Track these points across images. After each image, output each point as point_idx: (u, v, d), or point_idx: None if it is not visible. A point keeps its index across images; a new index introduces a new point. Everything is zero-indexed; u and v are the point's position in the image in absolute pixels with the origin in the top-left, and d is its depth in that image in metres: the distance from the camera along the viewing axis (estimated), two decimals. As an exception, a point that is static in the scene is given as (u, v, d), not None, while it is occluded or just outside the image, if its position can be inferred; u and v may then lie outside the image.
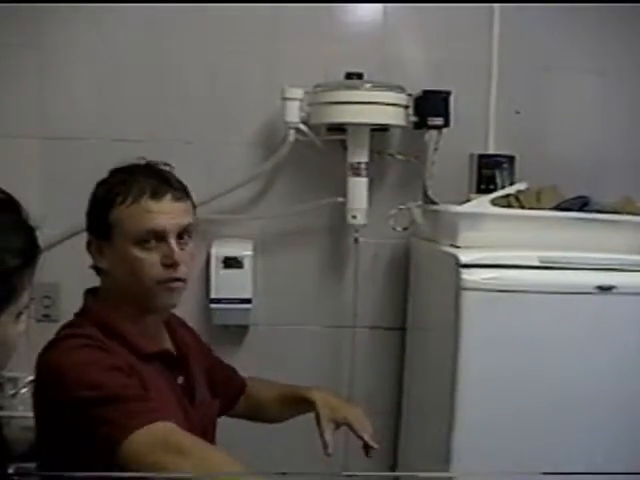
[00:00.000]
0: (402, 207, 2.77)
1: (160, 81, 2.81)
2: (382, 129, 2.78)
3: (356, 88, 2.62)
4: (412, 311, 2.86)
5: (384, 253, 2.94)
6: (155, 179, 1.78)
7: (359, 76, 2.71)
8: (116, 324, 1.76)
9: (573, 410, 2.28)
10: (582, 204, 2.48)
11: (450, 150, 2.79)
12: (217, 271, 2.69)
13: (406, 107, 2.67)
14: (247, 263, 2.72)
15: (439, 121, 2.70)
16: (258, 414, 2.22)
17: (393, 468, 2.90)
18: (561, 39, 2.92)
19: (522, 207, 2.48)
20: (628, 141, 2.95)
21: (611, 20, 2.88)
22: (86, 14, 2.77)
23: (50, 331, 2.74)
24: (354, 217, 2.72)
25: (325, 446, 1.90)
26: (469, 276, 2.23)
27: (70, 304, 2.80)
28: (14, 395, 2.67)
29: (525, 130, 2.92)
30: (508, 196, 2.52)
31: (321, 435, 1.93)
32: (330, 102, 2.61)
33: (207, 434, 1.89)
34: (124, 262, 1.75)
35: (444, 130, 2.74)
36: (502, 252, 2.28)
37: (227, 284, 2.71)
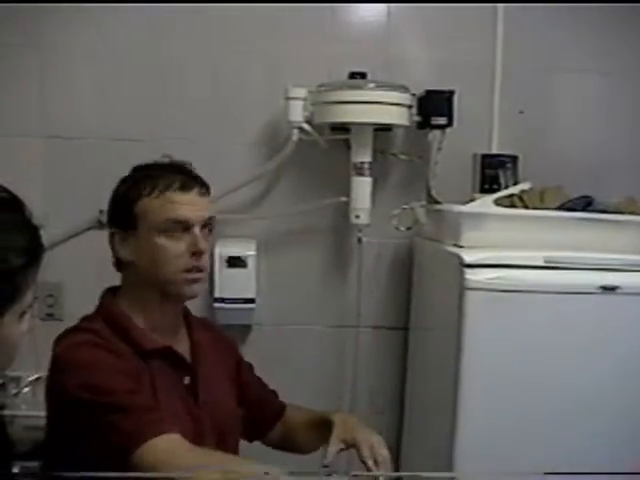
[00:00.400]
0: (405, 207, 2.77)
1: (162, 81, 2.82)
2: (385, 129, 2.78)
3: (360, 88, 2.62)
4: (415, 311, 2.86)
5: (387, 253, 2.94)
6: (182, 174, 1.85)
7: (362, 76, 2.71)
8: (123, 320, 1.81)
9: (576, 409, 2.28)
10: (586, 204, 2.47)
11: (453, 150, 2.79)
12: (221, 270, 2.69)
13: (410, 107, 2.67)
14: (251, 263, 2.72)
15: (442, 121, 2.70)
16: (290, 441, 2.18)
17: (396, 468, 2.89)
18: (565, 39, 2.91)
19: (526, 207, 2.48)
20: (632, 141, 2.95)
21: (615, 20, 2.88)
22: (87, 14, 2.78)
23: (54, 330, 2.75)
24: (357, 217, 2.72)
25: (324, 456, 1.88)
26: (473, 276, 2.23)
27: (73, 303, 2.84)
28: (17, 394, 2.68)
29: (529, 130, 2.92)
30: (512, 196, 2.52)
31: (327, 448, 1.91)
32: (334, 102, 2.61)
33: (225, 435, 1.91)
34: (149, 251, 1.80)
35: (447, 130, 2.74)
36: (506, 252, 2.28)
37: (231, 284, 2.71)
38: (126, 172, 2.81)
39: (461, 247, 2.35)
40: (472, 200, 2.62)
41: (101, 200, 2.80)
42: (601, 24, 2.90)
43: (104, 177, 2.80)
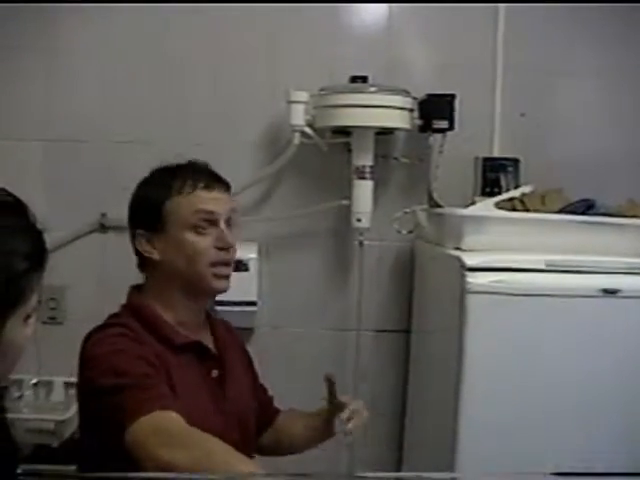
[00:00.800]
0: (407, 210, 2.78)
1: (165, 84, 2.83)
2: (387, 132, 2.78)
3: (361, 91, 2.63)
4: (417, 314, 2.86)
5: (389, 256, 2.94)
6: (205, 174, 1.92)
7: (364, 79, 2.72)
8: (153, 316, 1.87)
9: (577, 412, 2.28)
10: (587, 207, 2.47)
11: (455, 153, 2.80)
12: (222, 273, 2.70)
13: (411, 110, 2.67)
14: (252, 266, 2.72)
15: (444, 124, 2.70)
16: (281, 442, 2.20)
17: (397, 469, 2.90)
18: (566, 42, 2.92)
19: (527, 210, 2.48)
20: (634, 144, 2.94)
21: (615, 23, 2.88)
22: (91, 17, 2.79)
23: (55, 333, 2.78)
24: (359, 220, 2.72)
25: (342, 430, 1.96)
26: (474, 279, 2.23)
27: (75, 307, 2.85)
28: (19, 397, 2.68)
29: (530, 133, 2.93)
30: (513, 199, 2.52)
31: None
32: (335, 105, 2.62)
33: (247, 430, 1.96)
34: (178, 248, 1.85)
35: (449, 133, 2.75)
36: (507, 255, 2.28)
37: (232, 286, 2.70)
38: (129, 175, 2.81)
39: (462, 250, 2.34)
40: (473, 203, 2.63)
41: (103, 203, 2.84)
42: (602, 27, 2.90)
43: (107, 180, 2.84)
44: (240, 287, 2.70)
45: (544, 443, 2.25)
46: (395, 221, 2.77)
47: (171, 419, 1.58)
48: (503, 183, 2.76)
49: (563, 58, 2.94)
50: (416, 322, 2.87)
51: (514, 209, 2.49)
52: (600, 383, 2.28)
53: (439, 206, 2.75)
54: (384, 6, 2.87)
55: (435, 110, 2.70)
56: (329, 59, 2.84)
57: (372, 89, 2.63)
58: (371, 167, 2.71)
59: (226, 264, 1.90)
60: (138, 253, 1.92)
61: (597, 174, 2.89)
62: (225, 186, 1.93)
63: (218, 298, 2.68)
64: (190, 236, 1.85)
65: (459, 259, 2.28)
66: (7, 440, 1.19)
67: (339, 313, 2.94)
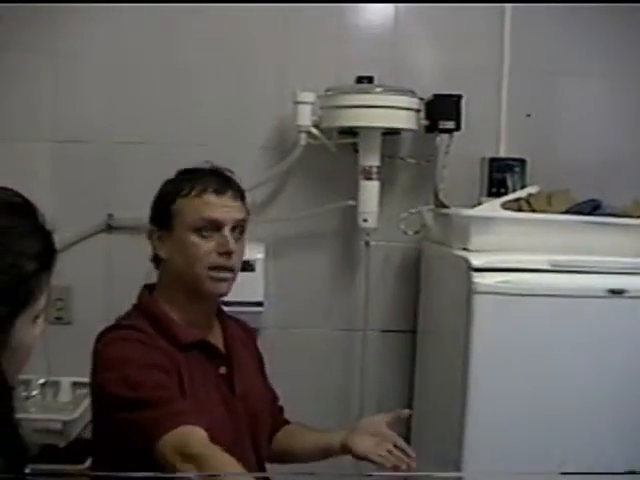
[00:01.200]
0: (413, 211, 2.78)
1: (172, 85, 2.83)
2: (393, 133, 2.78)
3: (367, 92, 2.63)
4: (423, 314, 2.86)
5: (395, 256, 2.94)
6: (218, 179, 1.95)
7: (370, 80, 2.72)
8: (161, 315, 1.92)
9: (584, 412, 2.29)
10: (593, 207, 2.47)
11: (461, 153, 2.80)
12: (229, 274, 2.70)
13: (417, 111, 2.67)
14: (259, 266, 2.72)
15: (450, 125, 2.70)
16: (284, 455, 2.18)
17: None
18: (572, 43, 2.92)
19: (533, 211, 2.48)
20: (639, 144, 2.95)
21: (620, 24, 2.88)
22: (97, 19, 2.79)
23: (62, 333, 2.78)
24: (365, 220, 2.72)
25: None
26: (481, 280, 2.24)
27: (82, 307, 2.85)
28: (27, 397, 2.68)
29: (536, 133, 2.93)
30: (519, 200, 2.52)
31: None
32: (341, 106, 2.62)
33: (257, 425, 1.99)
34: (181, 248, 1.90)
35: (455, 134, 2.75)
36: (513, 256, 2.28)
37: (239, 287, 2.69)
38: (136, 176, 2.84)
39: (469, 251, 2.35)
40: (479, 204, 2.63)
41: (110, 204, 2.85)
42: (607, 27, 2.90)
43: (113, 181, 2.85)
44: (247, 287, 2.71)
45: (550, 442, 2.25)
46: (401, 221, 2.78)
47: (191, 436, 1.63)
48: (509, 183, 2.77)
49: (569, 59, 2.94)
50: (422, 322, 2.87)
51: (520, 209, 2.49)
52: (606, 383, 2.28)
53: (445, 206, 2.75)
54: (390, 6, 2.88)
55: (441, 110, 2.70)
56: (335, 60, 2.84)
57: (378, 89, 2.64)
58: (378, 167, 2.71)
59: (225, 269, 1.91)
60: (153, 250, 1.97)
61: (603, 174, 2.89)
62: (237, 193, 1.95)
63: (224, 299, 2.69)
64: (193, 238, 1.88)
65: (465, 259, 2.29)
66: (16, 440, 1.20)
67: (345, 313, 2.94)
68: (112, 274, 2.86)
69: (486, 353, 2.25)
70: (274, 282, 2.84)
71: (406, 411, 2.05)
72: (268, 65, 2.85)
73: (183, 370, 1.83)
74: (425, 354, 2.83)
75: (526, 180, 2.78)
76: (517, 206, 2.50)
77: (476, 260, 2.27)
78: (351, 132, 2.75)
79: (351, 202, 2.75)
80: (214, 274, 1.89)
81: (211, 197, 1.89)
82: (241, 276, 2.75)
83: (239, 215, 1.93)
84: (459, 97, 2.70)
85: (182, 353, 1.86)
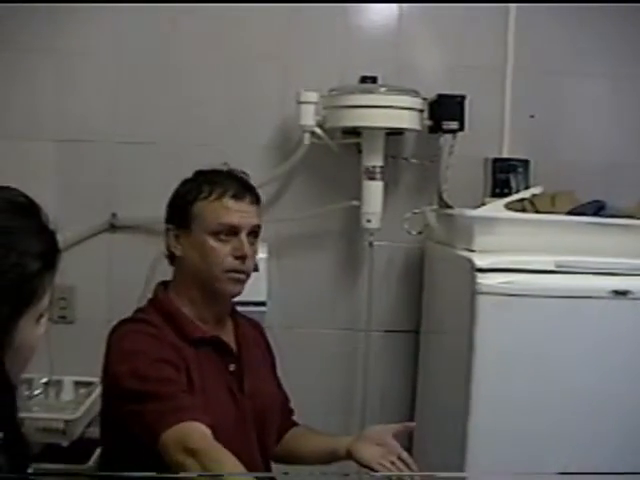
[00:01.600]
0: (417, 211, 2.78)
1: (175, 84, 2.83)
2: (397, 133, 2.78)
3: (371, 92, 2.63)
4: (426, 315, 2.86)
5: (398, 257, 2.94)
6: (237, 183, 2.01)
7: (374, 80, 2.72)
8: (174, 310, 1.97)
9: (587, 413, 2.28)
10: (597, 208, 2.47)
11: (465, 154, 2.80)
12: (232, 274, 2.70)
13: (421, 111, 2.67)
14: (262, 266, 2.71)
15: (454, 125, 2.70)
16: (289, 457, 2.21)
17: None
18: (576, 43, 2.92)
19: (537, 211, 2.48)
20: (644, 145, 2.95)
21: (625, 25, 2.88)
22: (101, 18, 2.80)
23: (66, 333, 2.78)
24: (369, 221, 2.72)
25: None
26: (484, 280, 2.23)
27: (85, 306, 2.85)
28: (30, 396, 2.69)
29: (540, 134, 2.92)
30: (523, 200, 2.52)
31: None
32: (345, 106, 2.62)
33: (265, 422, 2.02)
34: (199, 249, 1.96)
35: (459, 134, 2.75)
36: (517, 256, 2.28)
37: (242, 287, 2.71)
38: (139, 176, 2.84)
39: (472, 251, 2.34)
40: (483, 204, 2.63)
41: (113, 203, 2.85)
42: (612, 28, 2.89)
43: (117, 181, 2.85)
44: (250, 287, 2.70)
45: (553, 442, 2.25)
46: (405, 222, 2.78)
47: (194, 431, 1.67)
48: (513, 184, 2.77)
49: (573, 59, 2.93)
50: (425, 323, 2.87)
51: (524, 210, 2.49)
52: (610, 384, 2.27)
53: (449, 207, 2.75)
54: (394, 6, 2.87)
55: (445, 111, 2.70)
56: (339, 60, 2.84)
57: (382, 89, 2.63)
58: (381, 168, 2.70)
59: (240, 271, 1.97)
60: (167, 246, 2.03)
61: (607, 175, 2.89)
62: (254, 198, 2.02)
63: (229, 298, 2.68)
64: (211, 241, 1.94)
65: (469, 260, 2.29)
66: (19, 439, 1.20)
67: (348, 313, 2.94)
68: (115, 273, 2.86)
69: (489, 354, 2.25)
70: (277, 282, 2.84)
71: (412, 424, 2.15)
72: (272, 65, 2.85)
73: (192, 365, 1.87)
74: (428, 354, 2.82)
75: (530, 181, 2.78)
76: (521, 207, 2.50)
77: (480, 261, 2.26)
78: (354, 132, 2.74)
79: (354, 202, 2.75)
80: (229, 276, 1.96)
81: (230, 202, 1.96)
82: (245, 276, 2.76)
83: (256, 220, 2.01)
84: (463, 97, 2.70)
85: (193, 349, 1.91)
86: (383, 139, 2.70)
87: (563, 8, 2.85)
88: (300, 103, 2.67)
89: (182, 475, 1.61)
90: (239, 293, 2.01)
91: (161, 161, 2.80)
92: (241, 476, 1.63)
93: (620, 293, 2.26)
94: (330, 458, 2.06)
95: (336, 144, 2.77)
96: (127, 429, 1.76)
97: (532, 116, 2.92)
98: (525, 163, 2.81)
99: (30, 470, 1.23)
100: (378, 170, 2.70)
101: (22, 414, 1.24)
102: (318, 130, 2.70)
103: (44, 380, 2.74)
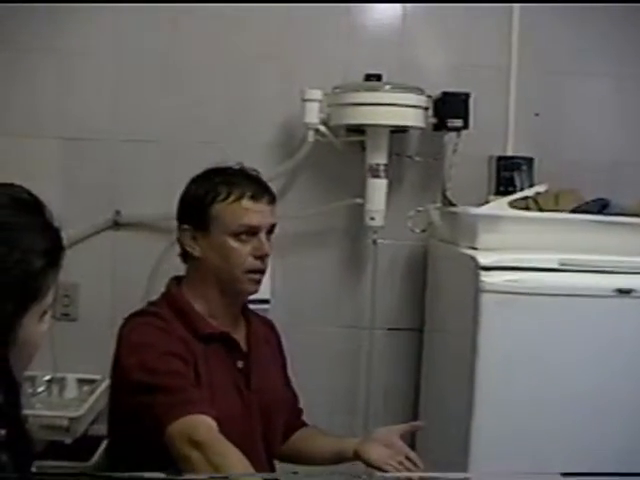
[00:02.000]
0: (420, 209, 2.78)
1: (179, 82, 2.83)
2: (401, 131, 2.78)
3: (375, 90, 2.63)
4: (430, 313, 2.85)
5: (402, 255, 2.94)
6: (254, 183, 2.03)
7: (378, 77, 2.72)
8: (185, 306, 1.99)
9: (591, 411, 2.28)
10: (602, 206, 2.47)
11: (469, 152, 2.79)
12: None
13: (425, 109, 2.67)
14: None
15: (458, 123, 2.70)
16: (298, 457, 2.23)
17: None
18: (580, 42, 2.91)
19: (541, 209, 2.48)
20: (648, 144, 2.94)
21: (629, 24, 2.88)
22: (103, 17, 2.80)
23: (69, 330, 2.79)
24: (372, 219, 2.72)
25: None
26: (488, 278, 2.23)
27: (89, 303, 2.85)
28: (33, 394, 2.69)
29: (544, 132, 2.92)
30: (527, 198, 2.51)
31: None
32: (349, 103, 2.62)
33: (271, 420, 2.04)
34: (219, 250, 1.98)
35: (463, 132, 2.74)
36: (521, 254, 2.27)
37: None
38: (143, 173, 2.84)
39: (476, 249, 2.34)
40: (487, 202, 2.63)
41: (117, 201, 2.85)
42: (616, 28, 2.89)
43: (120, 178, 2.85)
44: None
45: (557, 441, 2.24)
46: (409, 220, 2.78)
47: (199, 424, 1.69)
48: (517, 182, 2.76)
49: (577, 59, 2.93)
50: (429, 321, 2.86)
51: (528, 208, 2.48)
52: (614, 382, 2.27)
53: (453, 205, 2.75)
54: (398, 5, 2.87)
55: (450, 109, 2.70)
56: (343, 58, 2.84)
57: (386, 87, 2.63)
58: (385, 166, 2.70)
59: (260, 271, 2.01)
60: (181, 245, 2.03)
61: (611, 174, 2.89)
62: (271, 197, 2.05)
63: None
64: (231, 242, 1.96)
65: (473, 258, 2.28)
66: (23, 436, 1.20)
67: (352, 311, 2.94)
68: (119, 271, 2.86)
69: (493, 352, 2.24)
70: (281, 279, 2.83)
71: (420, 423, 2.19)
72: (276, 63, 2.85)
73: (200, 360, 1.89)
74: (432, 352, 2.82)
75: (534, 179, 2.78)
76: (525, 205, 2.49)
77: (484, 259, 2.26)
78: (359, 130, 2.74)
79: (358, 200, 2.75)
80: (250, 276, 1.99)
81: (249, 203, 1.98)
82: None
83: (273, 219, 2.04)
84: (467, 95, 2.70)
85: (202, 344, 1.93)
86: (387, 137, 2.70)
87: (567, 8, 2.85)
88: (304, 101, 2.67)
89: (187, 477, 1.61)
90: (256, 292, 2.05)
91: (165, 159, 2.81)
92: (245, 476, 1.63)
93: (624, 291, 2.26)
94: (337, 459, 2.08)
95: (340, 142, 2.77)
96: (135, 422, 1.78)
97: (537, 114, 2.92)
98: (529, 161, 2.81)
99: (33, 468, 1.24)
100: (382, 168, 2.70)
101: (25, 411, 1.24)
102: (322, 128, 2.70)
103: (47, 377, 2.74)
